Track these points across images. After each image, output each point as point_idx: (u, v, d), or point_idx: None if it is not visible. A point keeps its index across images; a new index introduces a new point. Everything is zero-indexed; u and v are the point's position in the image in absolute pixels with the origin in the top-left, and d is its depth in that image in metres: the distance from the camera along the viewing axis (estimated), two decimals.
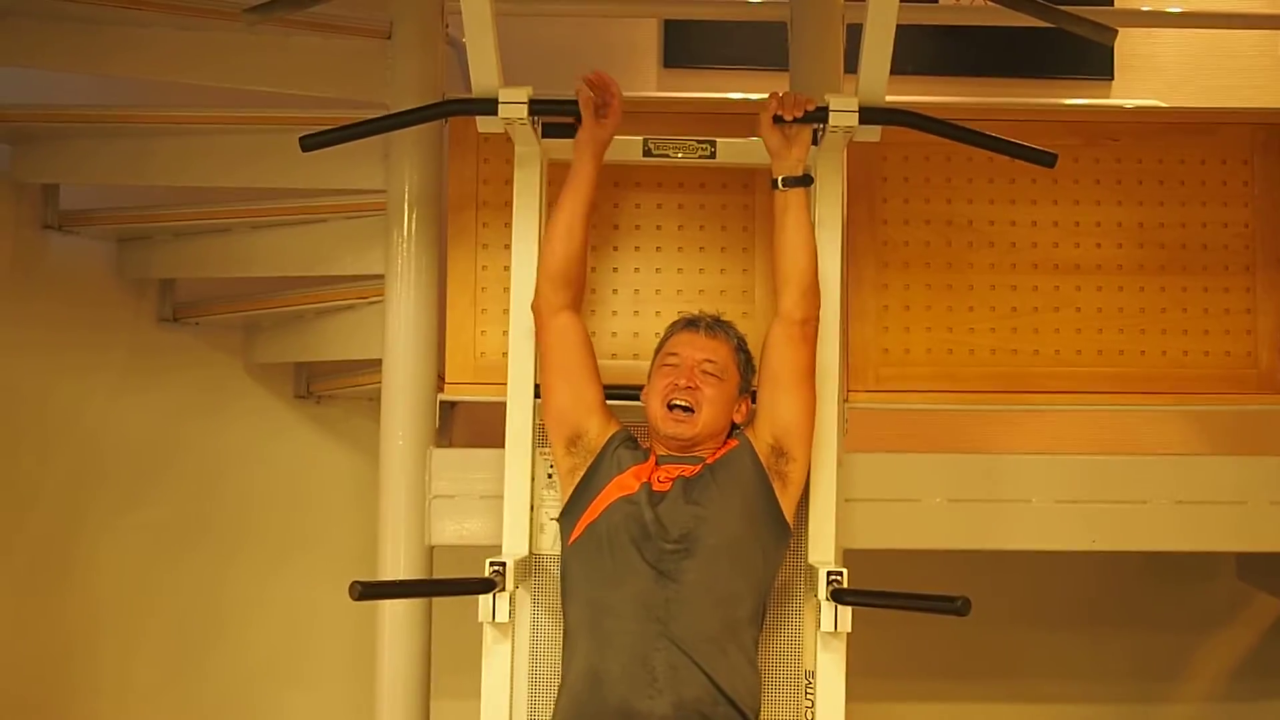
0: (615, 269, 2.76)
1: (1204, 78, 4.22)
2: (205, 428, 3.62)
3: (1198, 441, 3.82)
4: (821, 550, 2.32)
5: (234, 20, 2.79)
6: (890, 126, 2.28)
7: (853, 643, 2.27)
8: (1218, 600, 3.97)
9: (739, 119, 2.58)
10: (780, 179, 2.26)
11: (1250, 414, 2.89)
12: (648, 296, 2.75)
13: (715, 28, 4.14)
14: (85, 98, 3.22)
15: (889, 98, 2.26)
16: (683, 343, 2.32)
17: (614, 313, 2.75)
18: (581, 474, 2.29)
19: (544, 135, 2.34)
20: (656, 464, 2.28)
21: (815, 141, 2.30)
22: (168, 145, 3.09)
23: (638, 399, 2.37)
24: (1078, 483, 2.81)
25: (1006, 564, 3.33)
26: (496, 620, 2.23)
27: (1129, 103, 4.04)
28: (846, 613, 2.20)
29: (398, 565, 2.81)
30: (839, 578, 2.19)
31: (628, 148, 2.42)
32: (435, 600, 2.89)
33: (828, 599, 2.19)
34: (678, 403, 2.25)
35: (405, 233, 2.82)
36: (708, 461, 2.27)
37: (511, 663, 2.32)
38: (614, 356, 2.69)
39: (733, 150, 2.44)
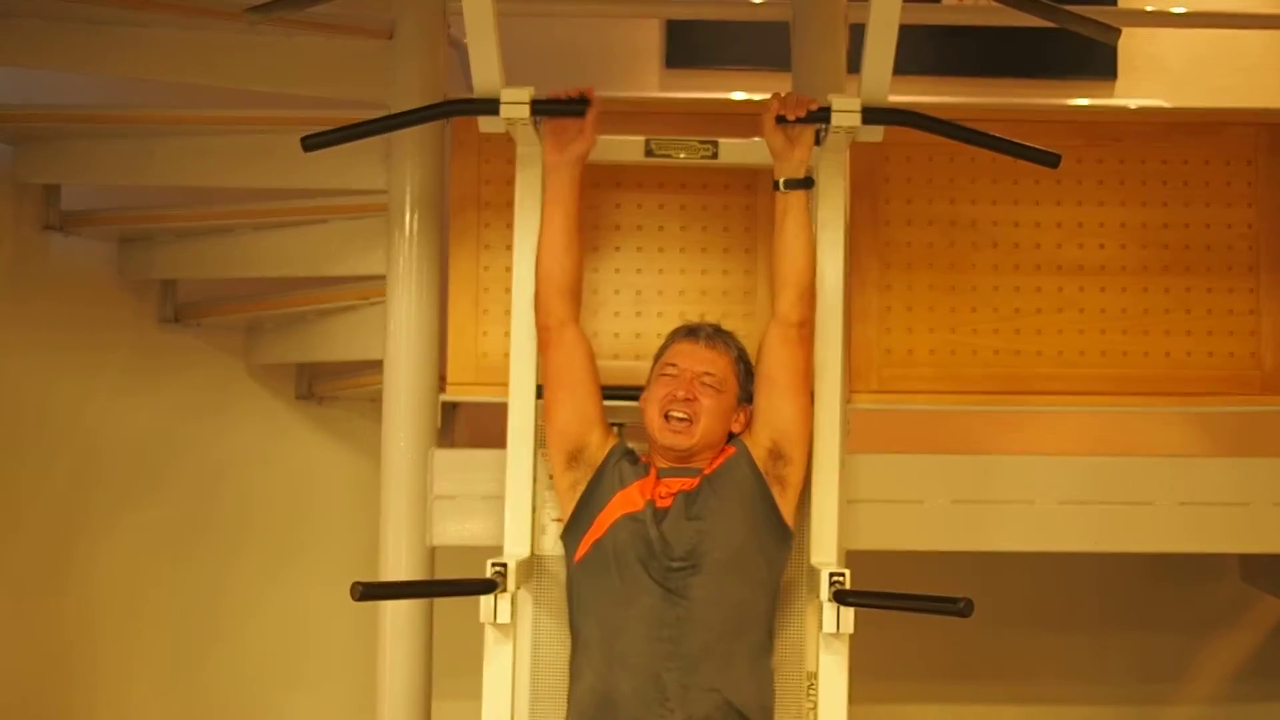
0: (617, 269, 2.75)
1: (1208, 78, 4.21)
2: (207, 429, 3.62)
3: (1201, 443, 3.82)
4: (824, 551, 2.32)
5: (236, 20, 2.79)
6: (893, 127, 2.28)
7: (855, 644, 2.27)
8: (1221, 602, 3.96)
9: (741, 119, 2.58)
10: (781, 180, 2.26)
11: (1254, 415, 2.89)
12: (650, 297, 2.75)
13: (718, 28, 4.14)
14: (87, 98, 3.22)
15: (892, 98, 2.26)
16: (682, 353, 2.31)
17: (616, 313, 2.74)
18: (583, 489, 2.28)
19: (543, 137, 2.33)
20: (658, 478, 2.27)
21: (818, 142, 2.29)
22: (169, 146, 3.08)
23: (637, 401, 2.36)
24: (1081, 484, 2.80)
25: (1009, 565, 3.33)
26: (498, 621, 2.23)
27: (1132, 103, 4.04)
28: (849, 614, 2.19)
29: (399, 566, 2.81)
30: (841, 579, 2.18)
31: (629, 148, 2.42)
32: (437, 601, 2.89)
33: (830, 600, 2.18)
34: (675, 414, 2.25)
35: (407, 233, 2.82)
36: (705, 473, 2.26)
37: (513, 664, 2.31)
38: (616, 357, 2.69)
39: (735, 151, 2.44)
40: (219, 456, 3.64)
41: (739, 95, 3.44)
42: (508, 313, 2.43)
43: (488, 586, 2.18)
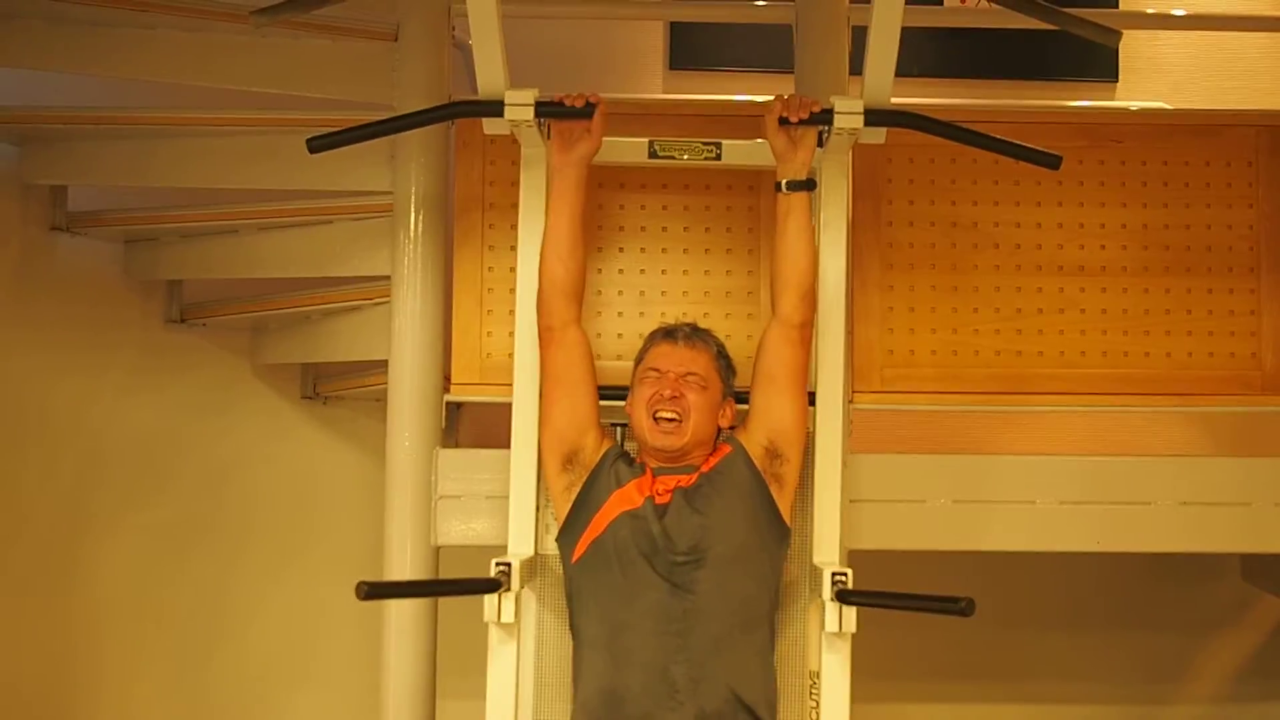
0: (620, 270, 2.76)
1: (1209, 80, 4.21)
2: (212, 428, 3.63)
3: (1202, 443, 3.83)
4: (826, 551, 2.32)
5: (241, 22, 2.81)
6: (895, 128, 2.29)
7: (857, 643, 2.28)
8: (1223, 602, 3.96)
9: (744, 121, 2.59)
10: (784, 182, 2.27)
11: (1255, 415, 2.89)
12: (653, 298, 2.76)
13: (721, 30, 4.15)
14: (93, 99, 3.22)
15: (894, 100, 2.27)
16: (662, 356, 2.31)
17: (619, 314, 2.75)
18: (578, 490, 2.28)
19: (550, 137, 2.34)
20: (654, 476, 2.27)
21: (820, 144, 2.30)
22: (175, 147, 3.09)
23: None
24: (1082, 484, 2.80)
25: (1011, 565, 3.34)
26: (502, 620, 2.24)
27: (1134, 105, 4.04)
28: (851, 613, 2.20)
29: (404, 565, 2.82)
30: (843, 578, 2.19)
31: (633, 150, 2.43)
32: (441, 600, 2.90)
33: (832, 599, 2.19)
34: (664, 414, 2.25)
35: (411, 234, 2.83)
36: (702, 470, 2.27)
37: (517, 663, 2.32)
38: (619, 358, 2.69)
39: (738, 152, 2.44)
40: (224, 456, 3.64)
41: (742, 97, 3.44)
42: (512, 313, 2.44)
43: (492, 586, 2.19)
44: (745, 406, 2.34)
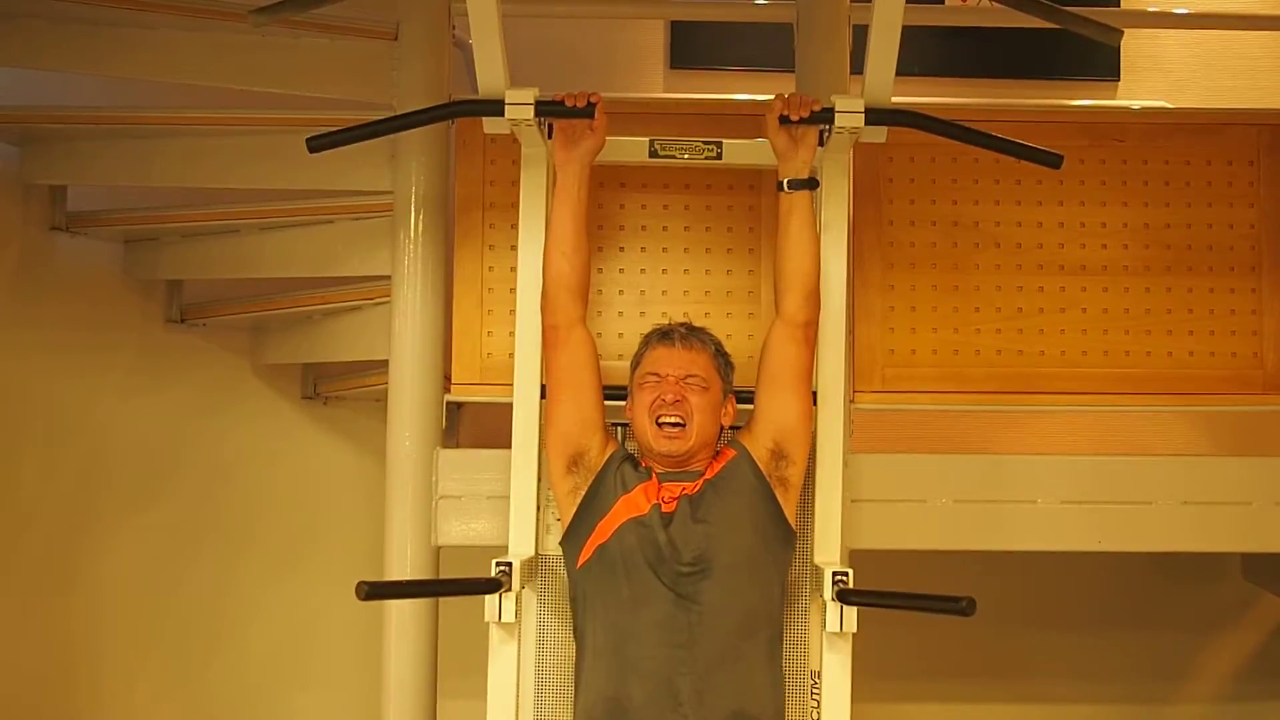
0: (621, 270, 2.76)
1: (1210, 79, 4.22)
2: (213, 429, 3.63)
3: (1203, 442, 3.83)
4: (827, 551, 2.33)
5: (241, 22, 2.80)
6: (896, 127, 2.28)
7: (858, 643, 2.28)
8: (1224, 601, 3.97)
9: (745, 120, 2.59)
10: (785, 181, 2.26)
11: (1256, 415, 2.89)
12: (654, 297, 2.76)
13: (722, 29, 4.15)
14: (93, 99, 3.22)
15: (895, 99, 2.27)
16: (660, 359, 2.29)
17: (620, 314, 2.75)
18: (583, 493, 2.26)
19: (550, 136, 2.34)
20: (660, 482, 2.25)
21: (821, 143, 2.30)
22: (175, 146, 3.09)
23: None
24: (1083, 483, 2.80)
25: (1012, 565, 3.34)
26: (502, 620, 2.24)
27: (1135, 104, 4.05)
28: (852, 613, 2.20)
29: (404, 565, 2.82)
30: (844, 578, 2.19)
31: (634, 149, 2.43)
32: (441, 601, 2.90)
33: (833, 599, 2.20)
34: (667, 419, 2.23)
35: (412, 234, 2.83)
36: (707, 476, 2.25)
37: (518, 663, 2.32)
38: (620, 358, 2.69)
39: (739, 151, 2.44)
40: (225, 456, 3.64)
41: (743, 96, 3.44)
42: (512, 313, 2.44)
43: (492, 586, 2.19)
44: (746, 406, 2.34)
